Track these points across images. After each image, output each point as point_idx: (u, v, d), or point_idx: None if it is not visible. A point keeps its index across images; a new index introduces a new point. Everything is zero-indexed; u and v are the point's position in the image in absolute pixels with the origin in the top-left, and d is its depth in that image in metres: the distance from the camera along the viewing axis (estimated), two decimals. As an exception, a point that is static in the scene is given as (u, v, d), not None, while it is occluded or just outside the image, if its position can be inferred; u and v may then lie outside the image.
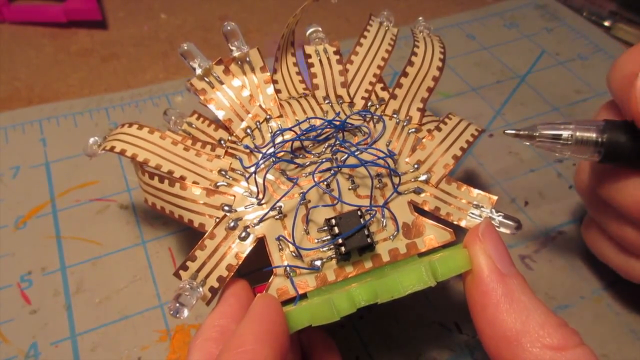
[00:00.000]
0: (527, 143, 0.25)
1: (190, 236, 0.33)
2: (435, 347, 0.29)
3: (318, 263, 0.23)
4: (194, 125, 0.29)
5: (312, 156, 0.26)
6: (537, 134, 0.24)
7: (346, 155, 0.26)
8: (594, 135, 0.23)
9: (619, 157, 0.23)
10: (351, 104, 0.29)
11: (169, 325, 0.29)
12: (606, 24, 0.51)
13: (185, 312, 0.22)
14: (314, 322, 0.21)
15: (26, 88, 0.44)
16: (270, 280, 0.23)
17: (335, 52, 0.30)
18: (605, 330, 0.29)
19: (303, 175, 0.25)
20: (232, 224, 0.24)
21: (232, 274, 0.23)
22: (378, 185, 0.25)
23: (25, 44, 0.48)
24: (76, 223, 0.34)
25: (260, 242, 0.24)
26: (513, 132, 0.25)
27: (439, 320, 0.30)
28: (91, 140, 0.29)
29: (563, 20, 0.52)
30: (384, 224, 0.25)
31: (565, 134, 0.24)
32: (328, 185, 0.25)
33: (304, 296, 0.23)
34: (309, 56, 0.30)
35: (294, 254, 0.24)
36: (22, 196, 0.35)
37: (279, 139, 0.26)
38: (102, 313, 0.30)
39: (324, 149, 0.26)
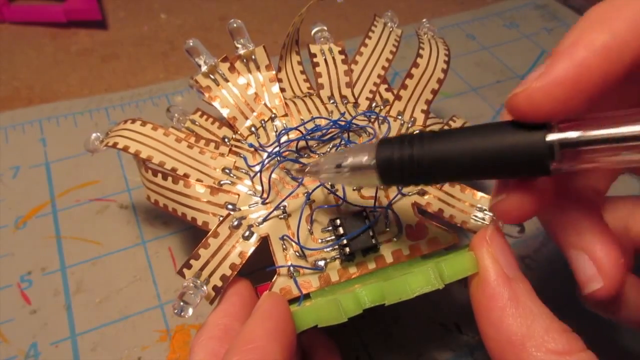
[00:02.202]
0: (317, 179, 0.23)
1: (190, 236, 0.33)
2: (435, 347, 0.29)
3: (322, 263, 0.23)
4: (197, 123, 0.29)
5: (317, 156, 0.26)
6: (320, 168, 0.22)
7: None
8: (365, 158, 0.21)
9: (394, 175, 0.20)
10: (356, 105, 0.29)
11: (169, 325, 0.29)
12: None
13: (190, 311, 0.22)
14: (321, 323, 0.21)
15: (26, 88, 0.44)
16: (273, 280, 0.23)
17: (341, 52, 0.30)
18: (605, 330, 0.29)
19: (308, 175, 0.25)
20: (235, 223, 0.24)
21: (236, 273, 0.23)
22: (382, 187, 0.25)
23: (25, 44, 0.48)
24: (76, 223, 0.34)
25: (263, 242, 0.24)
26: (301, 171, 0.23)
27: (439, 320, 0.30)
28: (93, 135, 0.29)
29: (563, 20, 0.52)
30: (388, 225, 0.25)
31: (345, 162, 0.21)
32: (332, 186, 0.25)
33: (307, 296, 0.23)
34: (314, 55, 0.30)
35: (297, 254, 0.24)
36: (22, 196, 0.35)
37: (284, 138, 0.26)
38: (102, 313, 0.29)
39: (329, 149, 0.26)
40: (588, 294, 0.21)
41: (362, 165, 0.21)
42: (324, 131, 0.26)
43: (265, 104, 0.27)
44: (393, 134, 0.28)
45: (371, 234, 0.23)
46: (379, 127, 0.28)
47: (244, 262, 0.24)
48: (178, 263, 0.32)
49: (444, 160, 0.19)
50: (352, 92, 0.29)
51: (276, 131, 0.27)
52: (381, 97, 0.30)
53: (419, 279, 0.22)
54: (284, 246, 0.24)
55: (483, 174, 0.19)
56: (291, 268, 0.23)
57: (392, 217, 0.25)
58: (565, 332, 0.20)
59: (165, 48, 0.49)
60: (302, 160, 0.26)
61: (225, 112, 0.27)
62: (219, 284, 0.23)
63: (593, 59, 0.16)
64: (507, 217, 0.20)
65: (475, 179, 0.20)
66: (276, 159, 0.25)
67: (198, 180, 0.25)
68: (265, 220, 0.24)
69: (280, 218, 0.24)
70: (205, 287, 0.23)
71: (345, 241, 0.23)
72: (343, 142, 0.26)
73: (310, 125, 0.27)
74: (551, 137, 0.17)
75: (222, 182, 0.25)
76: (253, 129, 0.27)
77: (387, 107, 0.29)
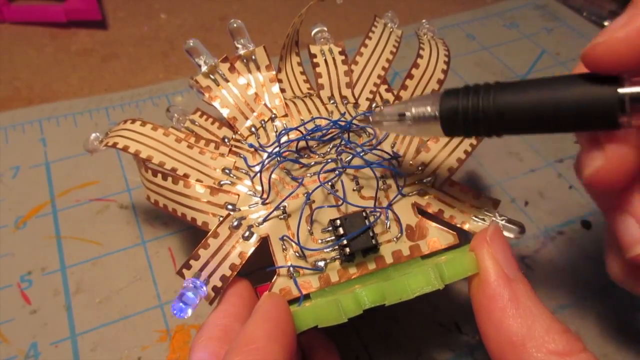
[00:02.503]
0: (378, 128, 0.23)
1: (190, 236, 0.33)
2: (435, 347, 0.29)
3: (321, 264, 0.23)
4: (197, 123, 0.29)
5: (317, 156, 0.26)
6: (383, 117, 0.22)
7: (351, 156, 0.26)
8: (428, 108, 0.21)
9: (457, 126, 0.20)
10: (356, 105, 0.29)
11: (169, 325, 0.29)
12: (606, 24, 0.52)
13: (189, 312, 0.22)
14: (321, 323, 0.21)
15: (26, 88, 0.44)
16: (273, 280, 0.23)
17: (341, 53, 0.30)
18: (605, 330, 0.29)
19: (308, 175, 0.25)
20: (235, 223, 0.24)
21: (236, 273, 0.23)
22: (382, 187, 0.25)
23: (25, 44, 0.48)
24: (76, 223, 0.34)
25: (263, 242, 0.24)
26: (366, 118, 0.23)
27: (439, 320, 0.30)
28: (92, 135, 0.29)
29: (563, 20, 0.52)
30: (388, 225, 0.25)
31: (408, 112, 0.21)
32: (333, 186, 0.25)
33: (307, 297, 0.23)
34: (314, 56, 0.30)
35: (297, 254, 0.24)
36: (22, 196, 0.35)
37: (284, 139, 0.26)
38: (102, 313, 0.29)
39: (328, 149, 0.26)
40: (632, 257, 0.20)
41: (426, 115, 0.21)
42: (324, 131, 0.26)
43: (265, 104, 0.27)
44: (393, 134, 0.28)
45: (371, 234, 0.23)
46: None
47: (243, 262, 0.24)
48: (178, 263, 0.32)
49: (510, 111, 0.18)
50: (352, 92, 0.29)
51: (276, 131, 0.27)
52: (381, 97, 0.30)
53: (419, 280, 0.22)
54: (284, 246, 0.24)
55: (549, 126, 0.18)
56: (291, 268, 0.23)
57: (393, 218, 0.25)
58: (565, 332, 0.20)
59: (165, 48, 0.49)
60: (302, 160, 0.26)
61: (225, 112, 0.27)
62: (219, 284, 0.23)
63: None
64: (607, 181, 0.19)
65: (540, 131, 0.19)
66: (276, 159, 0.25)
67: (198, 180, 0.25)
68: (265, 220, 0.24)
69: (280, 218, 0.24)
70: (205, 288, 0.23)
71: (345, 241, 0.23)
72: (343, 143, 0.26)
73: (310, 126, 0.27)
74: (623, 90, 0.16)
75: (222, 183, 0.25)
76: (253, 129, 0.27)
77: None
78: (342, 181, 0.25)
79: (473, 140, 0.28)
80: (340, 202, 0.25)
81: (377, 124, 0.23)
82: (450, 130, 0.21)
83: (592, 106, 0.17)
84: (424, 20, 0.33)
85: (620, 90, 0.16)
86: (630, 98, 0.16)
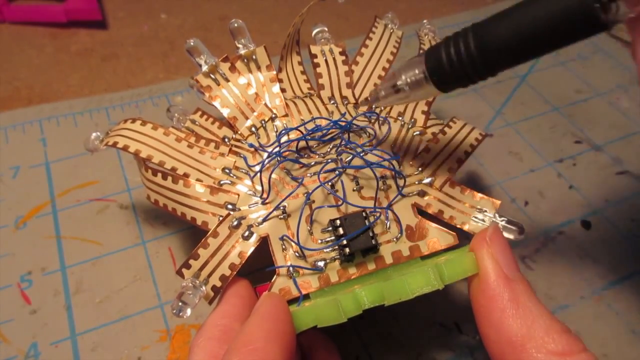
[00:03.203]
0: (379, 105, 0.23)
1: (190, 236, 0.33)
2: (435, 347, 0.29)
3: (321, 264, 0.23)
4: (197, 123, 0.29)
5: (317, 156, 0.26)
6: (379, 93, 0.23)
7: (351, 156, 0.26)
8: (416, 70, 0.21)
9: (448, 78, 0.20)
10: (356, 105, 0.29)
11: (169, 325, 0.29)
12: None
13: (188, 311, 0.22)
14: (320, 323, 0.21)
15: (26, 88, 0.44)
16: (273, 280, 0.23)
17: (341, 53, 0.30)
18: (605, 330, 0.29)
19: (308, 175, 0.25)
20: (235, 223, 0.24)
21: (235, 273, 0.23)
22: (382, 187, 0.25)
23: (25, 44, 0.48)
24: (76, 223, 0.34)
25: (263, 242, 0.24)
26: (364, 103, 0.24)
27: (439, 320, 0.30)
28: (93, 135, 0.29)
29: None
30: (388, 226, 0.25)
31: (399, 82, 0.22)
32: (332, 186, 0.25)
33: (306, 297, 0.23)
34: (315, 56, 0.30)
35: (297, 254, 0.24)
36: (22, 196, 0.35)
37: (284, 139, 0.26)
38: (102, 313, 0.29)
39: (329, 150, 0.26)
40: None
41: (417, 78, 0.21)
42: (324, 131, 0.26)
43: (265, 104, 0.27)
44: (393, 135, 0.28)
45: (371, 234, 0.23)
46: (380, 127, 0.28)
47: (243, 262, 0.24)
48: (178, 263, 0.32)
49: (493, 46, 0.18)
50: (352, 92, 0.29)
51: (276, 131, 0.27)
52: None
53: (419, 280, 0.22)
54: (284, 246, 0.24)
55: (530, 46, 0.18)
56: (291, 268, 0.23)
57: (392, 218, 0.25)
58: (565, 332, 0.20)
59: (165, 48, 0.49)
60: (302, 160, 0.26)
61: (225, 112, 0.27)
62: (218, 284, 0.23)
63: None
64: None
65: (525, 56, 0.19)
66: (276, 159, 0.25)
67: (198, 180, 0.25)
68: (265, 220, 0.24)
69: (280, 218, 0.24)
70: (204, 287, 0.23)
71: (345, 242, 0.23)
72: (343, 143, 0.26)
73: (310, 126, 0.27)
74: None
75: (222, 182, 0.25)
76: (253, 129, 0.27)
77: (388, 108, 0.29)
78: (342, 181, 0.25)
79: (473, 142, 0.28)
80: (340, 202, 0.25)
81: (375, 101, 0.23)
82: (443, 84, 0.20)
83: (568, 13, 0.17)
84: (424, 21, 0.34)
85: None
86: None
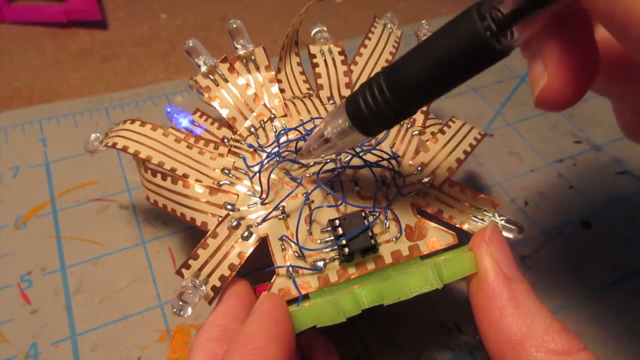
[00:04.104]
0: (313, 158, 0.24)
1: (190, 236, 0.33)
2: (435, 347, 0.29)
3: (320, 264, 0.23)
4: (196, 123, 0.29)
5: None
6: (309, 147, 0.23)
7: (350, 156, 0.26)
8: (340, 121, 0.21)
9: (371, 123, 0.20)
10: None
11: (169, 325, 0.29)
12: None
13: (189, 311, 0.22)
14: (319, 323, 0.21)
15: (26, 88, 0.44)
16: (272, 280, 0.23)
17: (340, 53, 0.30)
18: (605, 330, 0.29)
19: (307, 175, 0.25)
20: (234, 223, 0.24)
21: (235, 273, 0.23)
22: (381, 187, 0.25)
23: (25, 44, 0.48)
24: (76, 223, 0.34)
25: (262, 242, 0.24)
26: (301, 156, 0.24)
27: (439, 320, 0.30)
28: (92, 136, 0.29)
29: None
30: (387, 225, 0.25)
31: (326, 132, 0.22)
32: (332, 186, 0.25)
33: (306, 297, 0.23)
34: (314, 56, 0.30)
35: (296, 255, 0.24)
36: (22, 196, 0.35)
37: (283, 139, 0.26)
38: (102, 313, 0.29)
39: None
40: (536, 97, 0.20)
41: (343, 128, 0.21)
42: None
43: (264, 105, 0.27)
44: (392, 134, 0.28)
45: (370, 234, 0.23)
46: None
47: (242, 262, 0.24)
48: (178, 263, 0.32)
49: (406, 89, 0.18)
50: (351, 92, 0.29)
51: (275, 131, 0.27)
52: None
53: (418, 279, 0.22)
54: (283, 246, 0.24)
55: (444, 83, 0.18)
56: (290, 268, 0.23)
57: (392, 218, 0.25)
58: (564, 331, 0.20)
59: (165, 48, 0.49)
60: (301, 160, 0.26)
61: (224, 113, 0.27)
62: (218, 284, 0.23)
63: None
64: (559, 94, 0.18)
65: (440, 91, 0.19)
66: (275, 159, 0.25)
67: (197, 180, 0.25)
68: (264, 220, 0.24)
69: (279, 218, 0.24)
70: (204, 287, 0.23)
71: (344, 241, 0.23)
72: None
73: (309, 126, 0.27)
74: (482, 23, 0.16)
75: (221, 183, 0.25)
76: (252, 129, 0.27)
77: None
78: (341, 181, 0.25)
79: (472, 141, 0.28)
80: (339, 202, 0.25)
81: (308, 155, 0.23)
82: (369, 130, 0.21)
83: (466, 47, 0.17)
84: (423, 21, 0.33)
85: (480, 25, 0.16)
86: (494, 23, 0.16)
